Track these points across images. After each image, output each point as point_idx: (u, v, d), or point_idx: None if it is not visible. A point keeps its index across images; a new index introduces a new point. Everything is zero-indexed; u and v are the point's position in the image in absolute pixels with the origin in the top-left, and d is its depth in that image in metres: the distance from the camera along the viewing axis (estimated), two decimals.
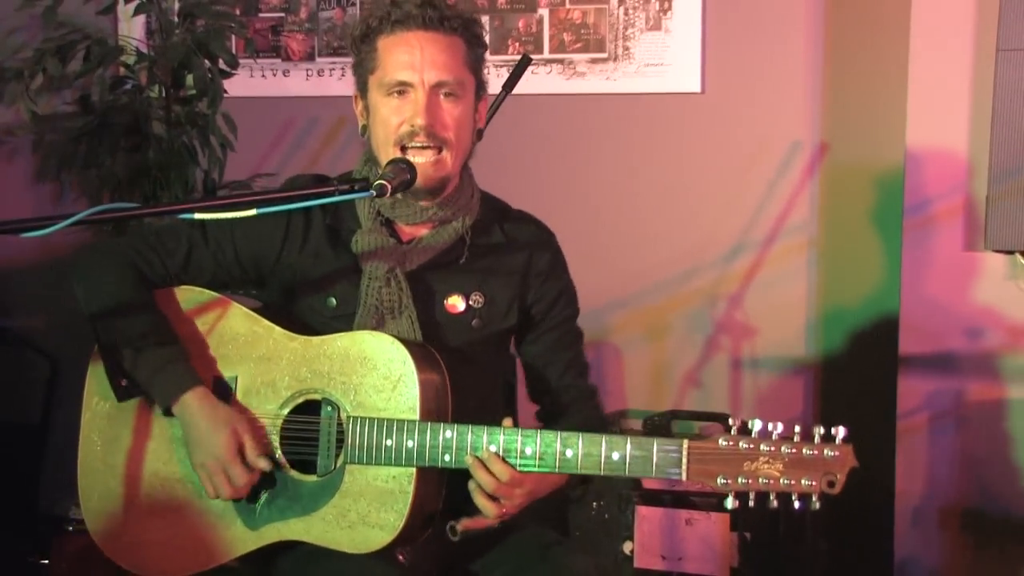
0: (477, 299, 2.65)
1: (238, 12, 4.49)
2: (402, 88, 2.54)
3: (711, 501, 3.84)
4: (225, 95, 4.17)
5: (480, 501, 2.47)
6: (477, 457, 2.44)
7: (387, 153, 2.56)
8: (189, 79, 4.17)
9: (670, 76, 4.32)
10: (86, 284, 2.65)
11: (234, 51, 4.34)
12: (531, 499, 2.54)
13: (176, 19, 4.24)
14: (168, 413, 2.59)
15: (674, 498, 3.88)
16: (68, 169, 4.21)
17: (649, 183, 4.38)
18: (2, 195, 4.67)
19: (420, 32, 2.55)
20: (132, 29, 4.53)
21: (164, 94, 4.22)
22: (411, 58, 2.54)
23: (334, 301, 2.63)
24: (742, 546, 3.82)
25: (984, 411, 3.86)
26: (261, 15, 4.68)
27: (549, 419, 2.74)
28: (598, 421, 2.78)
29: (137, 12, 4.22)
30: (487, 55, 2.69)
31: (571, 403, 2.75)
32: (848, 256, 4.21)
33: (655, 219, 4.38)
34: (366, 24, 2.60)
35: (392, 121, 2.55)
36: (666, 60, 4.31)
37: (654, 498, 3.90)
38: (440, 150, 2.55)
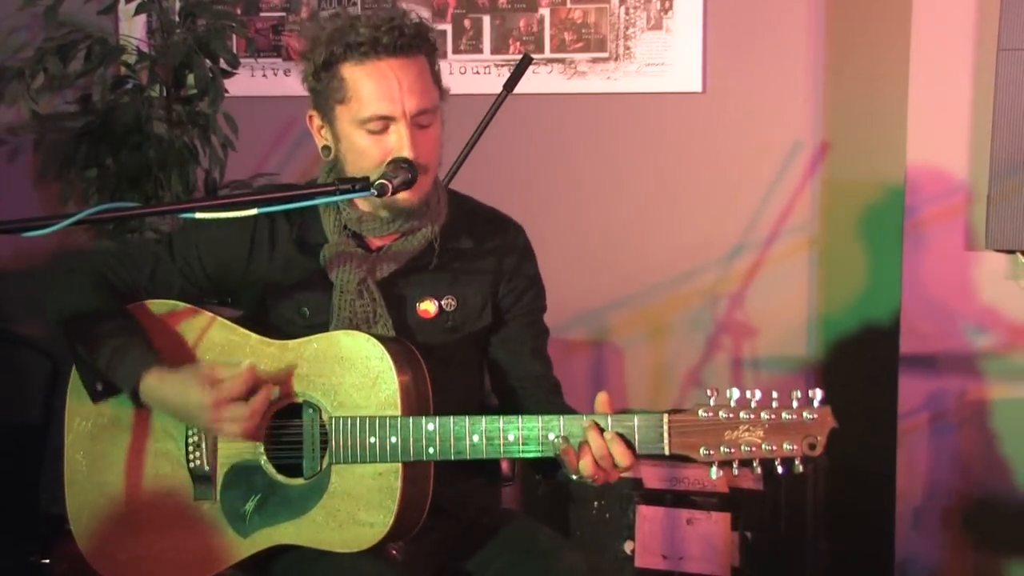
0: (449, 302, 2.64)
1: (239, 11, 4.49)
2: (383, 123, 2.49)
3: (712, 501, 3.84)
4: (226, 94, 4.17)
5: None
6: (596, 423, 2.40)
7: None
8: (190, 78, 4.17)
9: (671, 76, 4.32)
10: (56, 295, 2.65)
11: (235, 50, 4.34)
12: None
13: (177, 18, 4.23)
14: (139, 402, 2.57)
15: (675, 497, 3.88)
16: (69, 169, 4.21)
17: (650, 183, 4.38)
18: (3, 195, 4.68)
19: (392, 60, 2.47)
20: (133, 28, 4.52)
21: (165, 93, 4.22)
22: (389, 90, 2.47)
23: (307, 311, 2.62)
24: (743, 546, 3.82)
25: (985, 411, 3.86)
26: (262, 14, 4.68)
27: (513, 412, 2.63)
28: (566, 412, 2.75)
29: (138, 12, 4.23)
30: (441, 55, 2.65)
31: (536, 394, 2.71)
32: (849, 256, 4.21)
33: (656, 219, 4.38)
34: (329, 52, 2.49)
35: (373, 154, 2.50)
36: (667, 60, 4.31)
37: (655, 498, 3.90)
38: (421, 175, 2.51)
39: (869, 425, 3.96)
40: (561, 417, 2.42)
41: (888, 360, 3.96)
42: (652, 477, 3.90)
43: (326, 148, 2.59)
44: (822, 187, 4.23)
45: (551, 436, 2.41)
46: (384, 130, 2.49)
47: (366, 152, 2.51)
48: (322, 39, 2.51)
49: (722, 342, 4.33)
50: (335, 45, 2.49)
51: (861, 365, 4.12)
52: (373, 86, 2.48)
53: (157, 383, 2.53)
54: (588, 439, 2.40)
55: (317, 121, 2.59)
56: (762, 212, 4.26)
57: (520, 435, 2.43)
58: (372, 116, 2.48)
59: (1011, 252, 3.74)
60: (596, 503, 3.95)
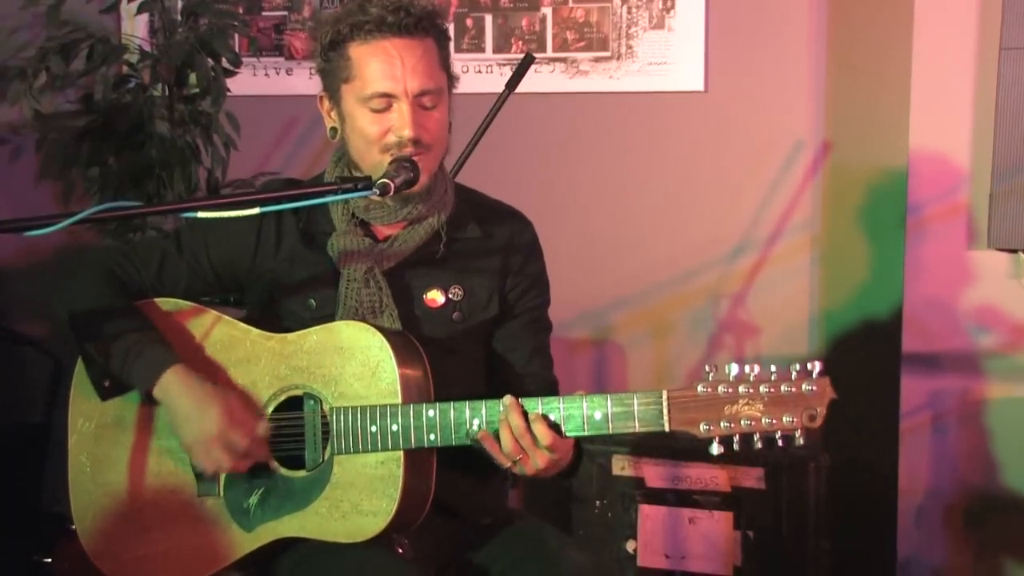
0: (456, 292, 2.65)
1: (241, 10, 4.48)
2: (385, 100, 2.51)
3: (714, 500, 3.84)
4: (228, 94, 4.16)
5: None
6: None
7: (370, 158, 2.54)
8: (192, 78, 4.17)
9: (673, 75, 4.32)
10: (65, 294, 2.65)
11: (237, 49, 4.34)
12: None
13: (179, 17, 4.23)
14: (150, 399, 2.57)
15: (677, 497, 3.88)
16: (71, 168, 4.21)
17: (652, 182, 4.38)
18: (5, 194, 4.68)
19: (396, 39, 2.50)
20: (135, 28, 4.53)
21: (167, 93, 4.22)
22: (391, 68, 2.49)
23: (314, 303, 2.62)
24: (745, 544, 3.82)
25: (986, 410, 3.86)
26: (264, 13, 4.68)
27: None
28: None
29: (140, 11, 4.22)
30: (452, 47, 2.64)
31: (530, 392, 2.66)
32: (851, 254, 4.21)
33: (658, 218, 4.38)
34: (336, 31, 2.53)
35: (374, 131, 2.52)
36: (669, 59, 4.31)
37: (657, 497, 3.90)
38: (423, 154, 2.53)
39: (871, 424, 3.96)
40: (560, 399, 2.43)
41: (890, 359, 3.96)
42: (654, 476, 3.90)
43: (333, 129, 2.62)
44: (824, 186, 4.23)
45: (551, 417, 2.42)
46: (386, 108, 2.51)
47: (367, 130, 2.52)
48: (330, 20, 2.55)
49: (724, 341, 4.33)
50: (342, 24, 2.52)
51: (863, 364, 4.11)
52: (376, 64, 2.50)
53: (180, 380, 2.54)
54: (507, 416, 2.42)
55: (326, 103, 2.61)
56: (764, 211, 4.26)
57: None
58: (374, 93, 2.50)
59: (1013, 251, 3.75)
60: (598, 502, 3.95)
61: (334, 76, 2.56)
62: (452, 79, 2.61)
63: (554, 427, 2.42)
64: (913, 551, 3.95)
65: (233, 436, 2.51)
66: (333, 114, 2.61)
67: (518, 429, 2.42)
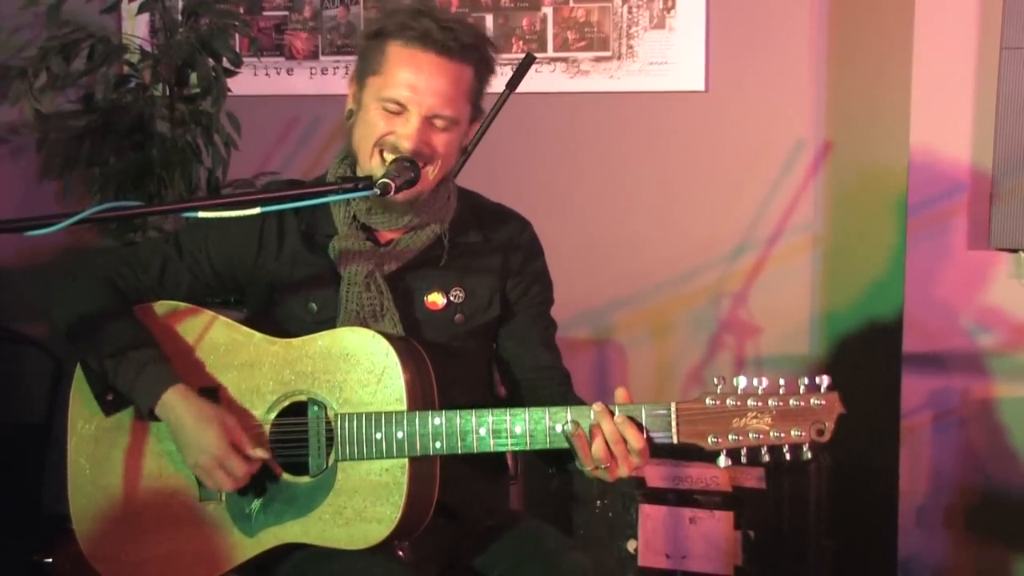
0: (457, 294, 2.65)
1: (242, 10, 4.48)
2: (398, 107, 2.51)
3: (715, 499, 3.84)
4: (229, 93, 4.17)
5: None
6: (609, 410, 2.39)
7: (365, 150, 2.54)
8: (193, 77, 4.17)
9: (674, 74, 4.32)
10: (61, 305, 2.65)
11: (238, 49, 4.34)
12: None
13: (180, 17, 4.23)
14: (152, 417, 2.57)
15: (678, 496, 3.88)
16: (72, 168, 4.21)
17: (653, 182, 4.38)
18: (6, 194, 4.68)
19: (433, 56, 2.49)
20: (136, 27, 4.52)
21: (168, 92, 4.22)
22: (415, 80, 2.49)
23: (315, 306, 2.62)
24: (746, 544, 3.82)
25: (988, 409, 3.86)
26: (265, 13, 4.67)
27: (523, 403, 2.66)
28: (577, 402, 2.74)
29: (141, 10, 4.22)
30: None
31: (547, 385, 2.70)
32: (852, 254, 4.21)
33: (659, 217, 4.38)
34: (382, 24, 2.54)
35: (379, 126, 2.52)
36: (670, 58, 4.31)
37: (658, 496, 3.90)
38: (423, 166, 2.52)
39: (872, 423, 3.96)
40: (568, 408, 2.42)
41: (891, 358, 3.96)
42: (655, 476, 3.89)
43: (350, 111, 2.62)
44: (825, 186, 4.23)
45: (559, 427, 2.40)
46: (398, 113, 2.51)
47: (372, 123, 2.53)
48: (388, 10, 2.56)
49: (725, 341, 4.33)
50: (392, 20, 2.53)
51: (864, 363, 4.11)
52: (405, 72, 2.50)
53: (180, 400, 2.53)
54: (600, 422, 2.38)
55: (353, 85, 2.61)
56: (765, 211, 4.26)
57: (528, 428, 2.42)
58: (390, 98, 2.50)
59: (1015, 251, 3.74)
60: (599, 502, 3.94)
61: (367, 63, 2.56)
62: (477, 111, 2.61)
63: (640, 429, 2.39)
64: (914, 551, 3.95)
65: (231, 463, 2.51)
66: (355, 97, 2.60)
67: (612, 435, 2.38)
